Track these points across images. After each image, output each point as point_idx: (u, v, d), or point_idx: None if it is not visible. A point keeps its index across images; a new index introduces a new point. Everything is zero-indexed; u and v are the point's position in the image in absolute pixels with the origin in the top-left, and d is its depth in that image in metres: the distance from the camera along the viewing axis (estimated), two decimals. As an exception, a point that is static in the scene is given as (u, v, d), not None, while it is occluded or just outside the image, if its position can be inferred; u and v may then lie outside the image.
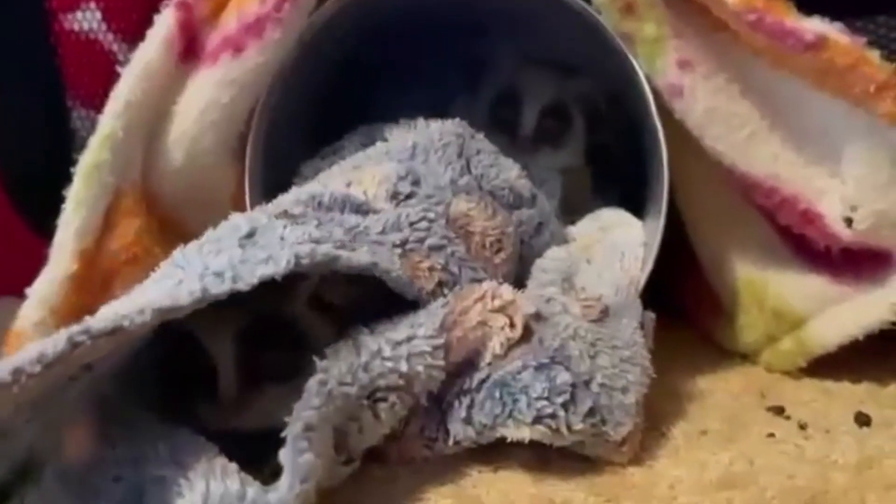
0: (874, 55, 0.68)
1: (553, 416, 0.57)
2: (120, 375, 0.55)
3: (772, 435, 0.64)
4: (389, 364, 0.56)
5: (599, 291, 0.69)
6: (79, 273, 0.73)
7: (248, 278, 0.53)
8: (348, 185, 0.69)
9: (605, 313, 0.66)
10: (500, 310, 0.61)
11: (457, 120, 0.80)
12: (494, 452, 0.60)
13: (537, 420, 0.57)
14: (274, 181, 0.80)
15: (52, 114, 0.90)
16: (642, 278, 0.74)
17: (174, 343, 0.56)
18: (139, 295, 0.53)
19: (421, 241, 0.66)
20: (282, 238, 0.57)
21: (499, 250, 0.71)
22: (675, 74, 0.73)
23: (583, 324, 0.63)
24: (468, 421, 0.59)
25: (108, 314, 0.48)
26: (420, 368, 0.57)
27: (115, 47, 0.88)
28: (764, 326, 0.78)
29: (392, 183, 0.69)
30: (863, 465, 0.60)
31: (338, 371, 0.54)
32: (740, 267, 0.79)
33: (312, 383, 0.52)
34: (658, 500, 0.56)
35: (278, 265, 0.54)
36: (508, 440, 0.58)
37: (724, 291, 0.81)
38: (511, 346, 0.60)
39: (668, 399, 0.69)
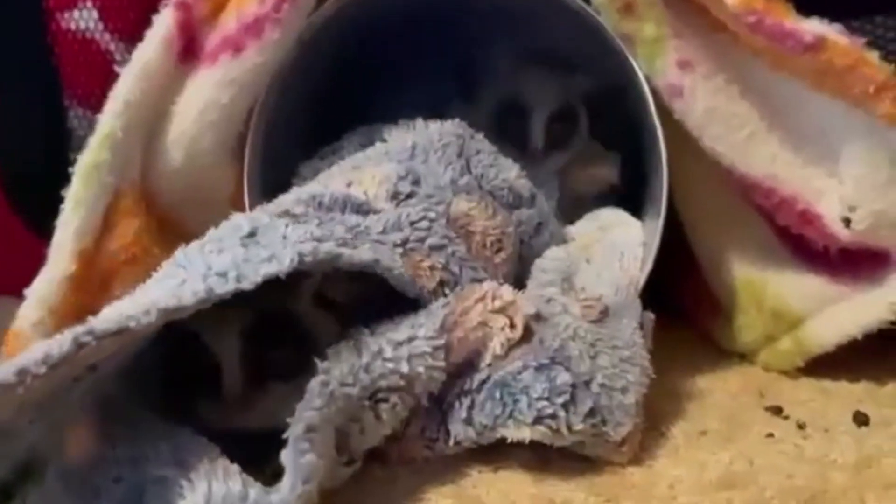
0: (873, 56, 0.68)
1: (553, 416, 0.57)
2: (122, 375, 0.55)
3: (771, 435, 0.64)
4: (390, 365, 0.56)
5: (599, 291, 0.69)
6: (78, 273, 0.73)
7: (252, 277, 0.53)
8: (349, 185, 0.69)
9: (604, 313, 0.66)
10: (501, 310, 0.61)
11: (456, 120, 0.80)
12: (495, 453, 0.60)
13: (538, 420, 0.57)
14: (273, 181, 0.80)
15: (49, 113, 0.90)
16: (642, 278, 0.74)
17: (177, 342, 0.56)
18: (142, 295, 0.53)
19: (422, 240, 0.66)
20: (284, 237, 0.57)
21: (499, 250, 0.71)
22: (675, 75, 0.73)
23: (583, 324, 0.64)
24: (469, 421, 0.59)
25: (112, 315, 0.48)
26: (421, 369, 0.57)
27: (111, 47, 0.87)
28: (762, 326, 0.78)
29: (392, 183, 0.69)
30: (861, 465, 0.60)
31: (339, 372, 0.54)
32: (739, 267, 0.79)
33: (314, 384, 0.52)
34: (658, 500, 0.56)
35: (282, 263, 0.54)
36: (509, 440, 0.58)
37: (723, 291, 0.81)
38: (511, 347, 0.60)
39: (668, 399, 0.69)
